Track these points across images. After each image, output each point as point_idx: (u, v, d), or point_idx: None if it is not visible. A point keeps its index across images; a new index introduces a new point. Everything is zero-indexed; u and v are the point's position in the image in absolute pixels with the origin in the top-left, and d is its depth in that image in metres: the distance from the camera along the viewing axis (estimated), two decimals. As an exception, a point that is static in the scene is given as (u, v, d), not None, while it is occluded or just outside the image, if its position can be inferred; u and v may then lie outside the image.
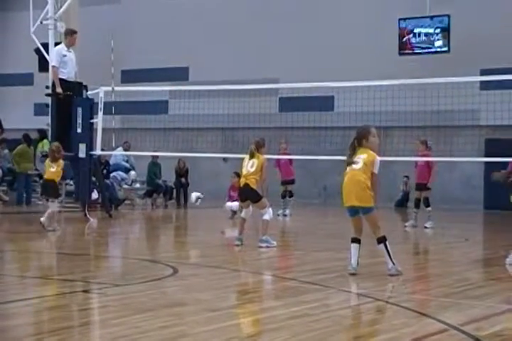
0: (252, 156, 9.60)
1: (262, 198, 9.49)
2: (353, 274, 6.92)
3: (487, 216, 14.08)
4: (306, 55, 20.56)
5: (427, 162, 13.01)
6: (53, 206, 11.09)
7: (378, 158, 7.09)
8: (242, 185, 9.61)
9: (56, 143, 11.55)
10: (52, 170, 11.13)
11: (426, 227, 12.76)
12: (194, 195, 16.07)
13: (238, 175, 12.17)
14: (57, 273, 7.28)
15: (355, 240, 7.07)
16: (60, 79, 13.44)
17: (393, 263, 7.03)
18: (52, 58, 13.66)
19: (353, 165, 7.09)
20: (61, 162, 11.30)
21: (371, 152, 7.10)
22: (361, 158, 7.05)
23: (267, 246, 9.27)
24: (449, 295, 6.15)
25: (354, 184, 7.00)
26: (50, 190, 11.18)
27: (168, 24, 22.77)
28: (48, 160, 11.35)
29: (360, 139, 7.13)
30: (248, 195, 9.52)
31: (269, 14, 21.41)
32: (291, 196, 15.45)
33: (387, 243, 6.98)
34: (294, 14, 21.03)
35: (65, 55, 13.49)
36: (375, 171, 7.04)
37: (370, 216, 7.00)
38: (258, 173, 9.45)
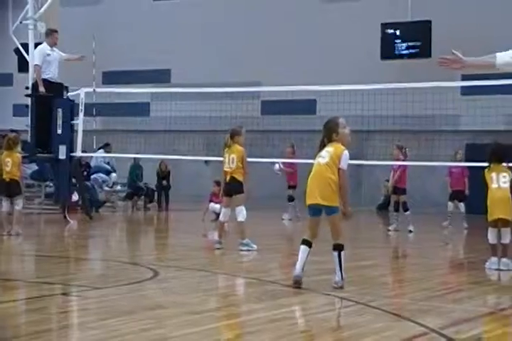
0: (229, 148, 9.40)
1: (243, 192, 9.34)
2: (297, 282, 6.30)
3: (467, 220, 14.18)
4: (288, 58, 20.59)
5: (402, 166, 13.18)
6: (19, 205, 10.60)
7: (347, 153, 6.32)
8: (227, 179, 9.43)
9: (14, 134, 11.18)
10: (8, 168, 10.53)
11: (411, 231, 12.75)
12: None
13: (218, 184, 12.09)
14: (36, 276, 7.20)
15: (307, 242, 6.35)
16: (43, 80, 13.32)
17: (342, 277, 6.31)
18: (35, 57, 13.53)
19: (319, 159, 6.36)
20: (17, 155, 10.70)
21: (340, 145, 6.36)
22: (329, 151, 6.33)
23: (248, 250, 9.24)
24: (429, 298, 6.17)
25: (318, 180, 6.30)
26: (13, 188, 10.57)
27: (150, 26, 22.71)
28: (4, 155, 10.61)
29: (330, 134, 6.43)
30: (233, 186, 9.33)
31: (251, 17, 21.42)
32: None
33: (342, 253, 6.30)
34: (277, 17, 21.05)
35: (49, 55, 13.38)
36: (343, 166, 6.26)
37: (333, 217, 6.29)
38: (240, 167, 9.32)
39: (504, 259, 7.97)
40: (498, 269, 7.90)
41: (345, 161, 6.29)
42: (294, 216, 14.78)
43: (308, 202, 6.38)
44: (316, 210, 6.35)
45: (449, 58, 4.70)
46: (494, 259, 7.97)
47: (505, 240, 8.00)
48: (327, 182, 6.26)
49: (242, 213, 9.38)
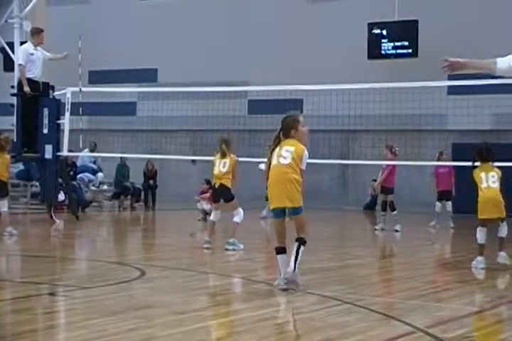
0: (223, 155, 9.52)
1: (234, 198, 9.49)
2: (285, 289, 6.22)
3: (454, 219, 14.24)
4: (275, 58, 20.60)
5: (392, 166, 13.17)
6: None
7: (307, 153, 6.25)
8: (216, 185, 9.54)
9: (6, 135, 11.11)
10: None
11: (397, 231, 12.79)
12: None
13: (208, 183, 12.09)
14: (23, 276, 7.17)
15: (282, 250, 6.29)
16: (28, 79, 13.24)
17: (294, 269, 6.18)
18: (19, 57, 13.45)
19: (280, 160, 6.22)
20: (6, 156, 10.59)
21: (300, 145, 6.27)
22: (289, 151, 6.22)
23: (234, 250, 9.25)
24: (415, 297, 6.19)
25: (284, 182, 6.16)
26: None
27: (137, 25, 22.64)
28: None
29: (288, 130, 6.32)
30: (223, 194, 9.49)
31: (239, 16, 21.41)
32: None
33: (302, 247, 6.19)
34: (264, 17, 21.05)
35: (33, 54, 13.29)
36: (303, 167, 6.23)
37: (299, 216, 6.23)
38: (230, 173, 9.46)
39: (501, 252, 8.06)
40: (497, 263, 7.96)
41: (305, 162, 6.27)
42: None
43: (275, 205, 6.27)
44: (281, 212, 6.30)
45: (451, 60, 4.68)
46: (480, 258, 8.01)
47: (502, 234, 8.10)
48: (292, 183, 6.16)
49: (239, 215, 9.52)
